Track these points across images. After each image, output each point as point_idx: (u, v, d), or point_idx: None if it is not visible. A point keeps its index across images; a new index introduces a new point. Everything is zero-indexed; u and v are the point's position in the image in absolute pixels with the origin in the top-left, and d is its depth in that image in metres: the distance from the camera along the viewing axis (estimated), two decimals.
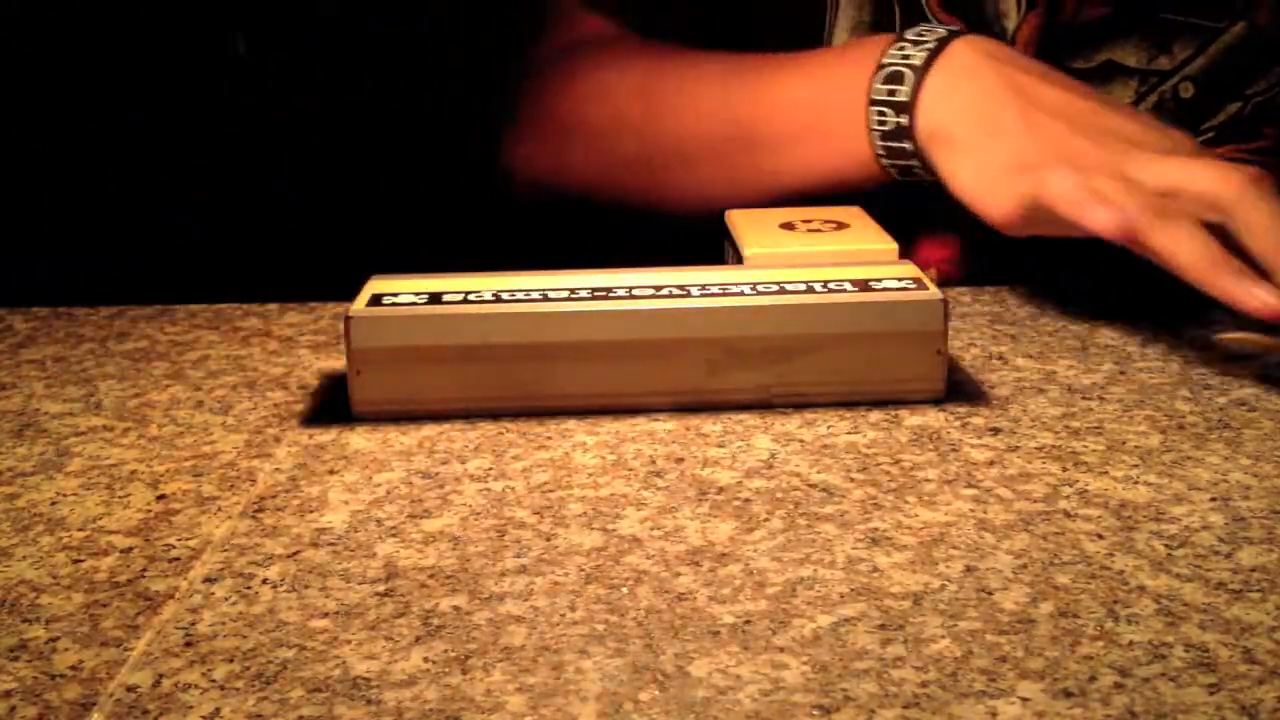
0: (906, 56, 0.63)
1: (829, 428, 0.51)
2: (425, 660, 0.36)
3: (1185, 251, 0.54)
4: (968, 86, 0.61)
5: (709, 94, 0.70)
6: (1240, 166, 0.57)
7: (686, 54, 0.72)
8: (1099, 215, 0.55)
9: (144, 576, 0.41)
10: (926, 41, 0.63)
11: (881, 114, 0.63)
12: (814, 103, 0.67)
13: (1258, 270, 0.54)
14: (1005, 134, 0.60)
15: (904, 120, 0.62)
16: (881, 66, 0.63)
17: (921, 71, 0.62)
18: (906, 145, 0.63)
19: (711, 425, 0.51)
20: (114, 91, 0.79)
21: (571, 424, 0.52)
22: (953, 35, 0.63)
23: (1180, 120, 0.72)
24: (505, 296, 0.53)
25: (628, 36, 0.76)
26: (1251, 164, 0.58)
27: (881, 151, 0.64)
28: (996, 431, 0.51)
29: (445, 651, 0.36)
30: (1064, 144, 0.59)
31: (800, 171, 0.68)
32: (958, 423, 0.52)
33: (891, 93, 0.62)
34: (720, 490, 0.46)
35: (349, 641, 0.37)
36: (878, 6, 0.73)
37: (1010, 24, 0.70)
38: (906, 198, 0.65)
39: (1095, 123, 0.60)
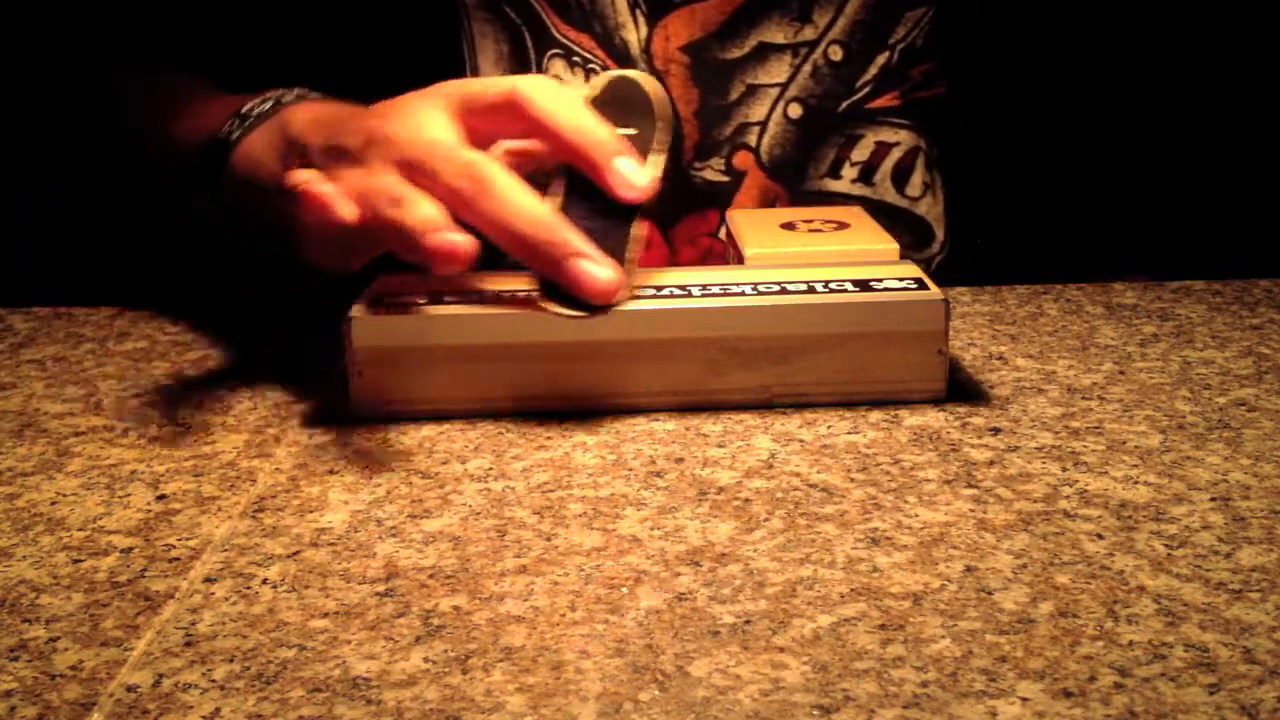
0: (233, 131, 0.63)
1: (829, 428, 0.51)
2: (425, 660, 0.36)
3: (516, 218, 0.51)
4: (274, 152, 0.60)
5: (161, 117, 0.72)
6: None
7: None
8: (339, 209, 0.51)
9: (144, 576, 0.41)
10: (259, 110, 0.63)
11: (207, 178, 0.63)
12: (184, 144, 0.67)
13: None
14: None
15: (225, 186, 0.62)
16: (215, 135, 0.63)
17: (239, 143, 0.62)
18: (234, 208, 0.62)
19: (711, 425, 0.51)
20: (114, 90, 0.79)
21: (571, 424, 0.52)
22: (295, 99, 0.63)
23: (837, 80, 0.75)
24: (506, 296, 0.53)
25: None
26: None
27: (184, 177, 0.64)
28: (996, 431, 0.51)
29: (445, 651, 0.36)
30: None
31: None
32: (958, 423, 0.52)
33: (213, 159, 0.63)
34: (720, 490, 0.46)
35: (349, 641, 0.37)
36: (512, 35, 0.74)
37: (631, 35, 0.72)
38: None
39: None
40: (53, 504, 0.47)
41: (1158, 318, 0.64)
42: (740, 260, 0.59)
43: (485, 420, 0.52)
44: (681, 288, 0.53)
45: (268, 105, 0.62)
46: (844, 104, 0.75)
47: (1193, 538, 0.42)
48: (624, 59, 0.73)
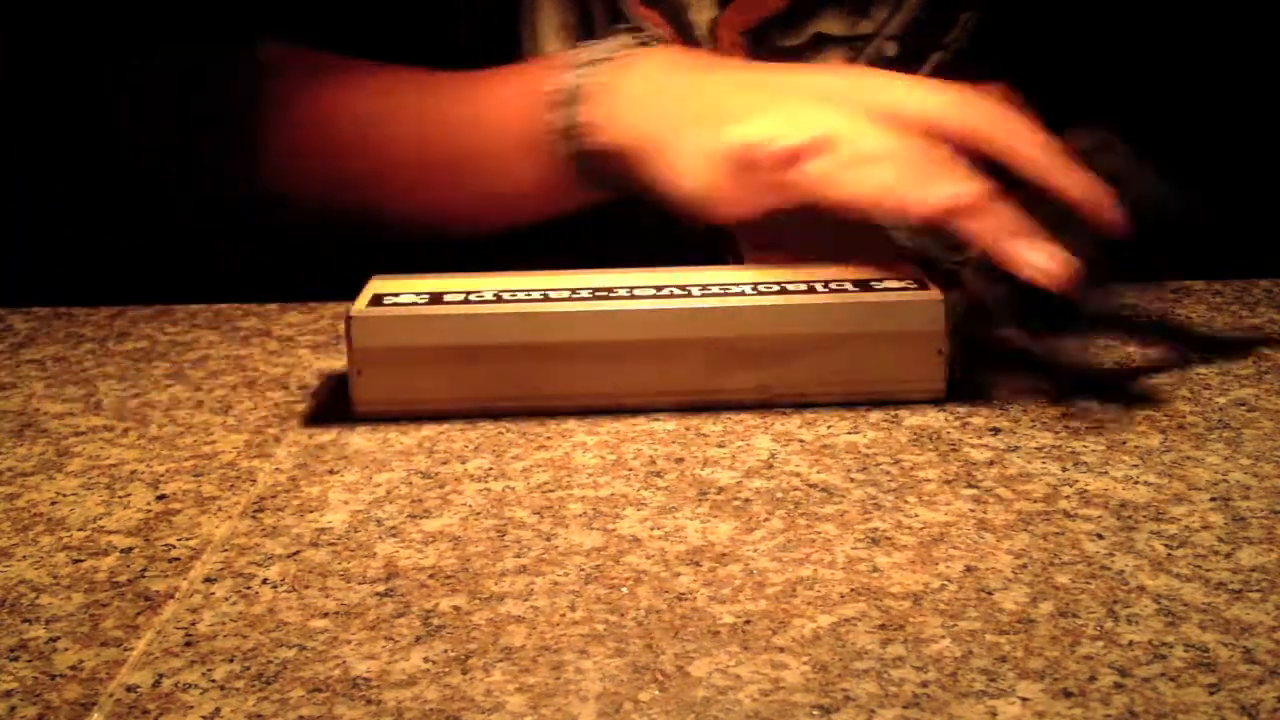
0: (578, 78, 0.60)
1: (829, 428, 0.51)
2: (425, 660, 0.36)
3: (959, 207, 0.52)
4: (647, 83, 0.59)
5: (404, 116, 0.69)
6: (977, 89, 0.55)
7: (385, 73, 0.70)
8: (866, 183, 0.52)
9: (144, 576, 0.41)
10: (613, 44, 0.61)
11: (566, 137, 0.60)
12: (498, 124, 0.64)
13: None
14: (694, 114, 0.57)
15: (585, 143, 0.59)
16: (557, 88, 0.61)
17: (596, 65, 0.60)
18: (598, 165, 0.60)
19: (711, 425, 0.51)
20: (115, 90, 0.79)
21: (571, 424, 0.52)
22: (647, 41, 0.62)
23: None
24: (506, 296, 0.53)
25: (321, 55, 0.73)
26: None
27: (581, 172, 0.61)
28: (996, 431, 0.51)
29: (445, 651, 0.36)
30: (756, 101, 0.56)
31: (500, 193, 0.66)
32: (958, 423, 0.52)
33: (567, 116, 0.60)
34: (720, 490, 0.46)
35: (349, 641, 0.37)
36: (579, 4, 0.73)
37: (697, 16, 0.72)
38: None
39: (806, 82, 0.57)
40: (53, 504, 0.47)
41: (1158, 317, 0.64)
42: (740, 260, 0.59)
43: (485, 420, 0.52)
44: (681, 288, 0.53)
45: (607, 53, 0.60)
46: None
47: (1193, 538, 0.42)
48: (690, 39, 0.72)
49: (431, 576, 0.41)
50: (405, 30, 0.71)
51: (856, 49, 0.73)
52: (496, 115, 0.64)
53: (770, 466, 0.48)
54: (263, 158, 0.72)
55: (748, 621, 0.38)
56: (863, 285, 0.53)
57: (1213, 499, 0.45)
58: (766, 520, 0.44)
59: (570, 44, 0.72)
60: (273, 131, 0.72)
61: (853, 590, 0.39)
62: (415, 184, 0.68)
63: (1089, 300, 0.52)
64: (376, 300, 0.53)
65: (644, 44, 0.61)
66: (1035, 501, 0.45)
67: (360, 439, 0.51)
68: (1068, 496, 0.45)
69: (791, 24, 0.73)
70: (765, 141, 0.52)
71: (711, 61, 0.61)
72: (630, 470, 0.48)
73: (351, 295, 0.54)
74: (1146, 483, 0.46)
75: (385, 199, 0.70)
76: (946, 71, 0.75)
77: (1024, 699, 0.34)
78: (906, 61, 0.74)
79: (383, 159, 0.69)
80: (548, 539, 0.43)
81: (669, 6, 0.72)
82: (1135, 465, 0.48)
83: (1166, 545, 0.42)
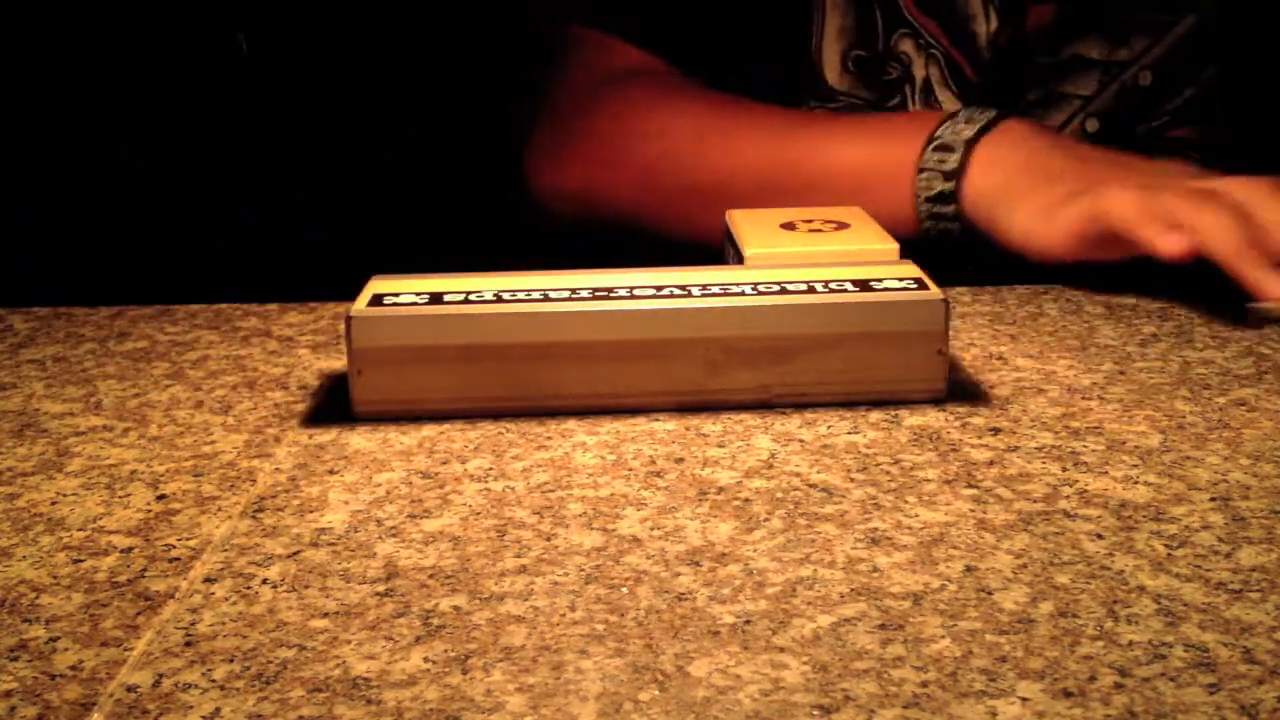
0: (958, 131, 0.70)
1: (829, 428, 0.51)
2: (425, 660, 0.36)
3: (1218, 237, 0.60)
4: (1016, 153, 0.68)
5: (764, 142, 0.76)
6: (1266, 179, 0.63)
7: (741, 102, 0.78)
8: (1167, 240, 0.60)
9: (144, 576, 0.41)
10: (978, 120, 0.70)
11: (929, 179, 0.69)
12: (865, 164, 0.73)
13: None
14: (1055, 176, 0.66)
15: (951, 186, 0.69)
16: (933, 138, 0.70)
17: (971, 144, 0.69)
18: (949, 209, 0.69)
19: (711, 425, 0.51)
20: (115, 92, 0.79)
21: (571, 424, 0.52)
22: (1001, 116, 0.70)
23: (1141, 104, 0.80)
24: (506, 296, 0.53)
25: (668, 72, 0.79)
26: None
27: (924, 213, 0.70)
28: (996, 431, 0.51)
29: (445, 651, 0.37)
30: (1109, 174, 0.65)
31: None
32: (958, 423, 0.52)
33: (941, 161, 0.69)
34: (720, 490, 0.46)
35: (349, 641, 0.37)
36: (859, 8, 0.79)
37: (979, 29, 0.74)
38: None
39: (1135, 163, 0.67)
40: (53, 504, 0.47)
41: (1158, 317, 0.64)
42: (740, 260, 0.59)
43: (485, 420, 0.52)
44: (681, 288, 0.53)
45: (970, 129, 0.70)
46: (1144, 127, 0.77)
47: (1193, 538, 0.42)
48: (969, 49, 0.74)
49: (431, 576, 0.41)
50: (693, 27, 0.76)
51: (1111, 74, 0.76)
52: (867, 151, 0.74)
53: (770, 466, 0.48)
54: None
55: (748, 621, 0.38)
56: (863, 285, 0.53)
57: (1213, 499, 0.45)
58: (766, 520, 0.44)
59: (847, 45, 0.78)
60: (590, 134, 0.79)
61: (853, 590, 0.39)
62: (749, 203, 0.74)
63: None
64: (376, 300, 0.53)
65: (1002, 117, 0.71)
66: (1035, 501, 0.45)
67: (360, 439, 0.51)
68: (1068, 496, 0.45)
69: (1052, 43, 0.76)
70: (1137, 230, 0.61)
71: (1063, 136, 0.72)
72: (630, 470, 0.48)
73: (351, 295, 0.54)
74: (1146, 483, 0.46)
75: (703, 213, 0.76)
76: (1201, 106, 0.77)
77: (1024, 699, 0.34)
78: (1160, 92, 0.76)
79: (723, 178, 0.77)
80: (548, 539, 0.43)
81: (952, 16, 0.75)
82: (1135, 465, 0.48)
83: (1166, 545, 0.42)
